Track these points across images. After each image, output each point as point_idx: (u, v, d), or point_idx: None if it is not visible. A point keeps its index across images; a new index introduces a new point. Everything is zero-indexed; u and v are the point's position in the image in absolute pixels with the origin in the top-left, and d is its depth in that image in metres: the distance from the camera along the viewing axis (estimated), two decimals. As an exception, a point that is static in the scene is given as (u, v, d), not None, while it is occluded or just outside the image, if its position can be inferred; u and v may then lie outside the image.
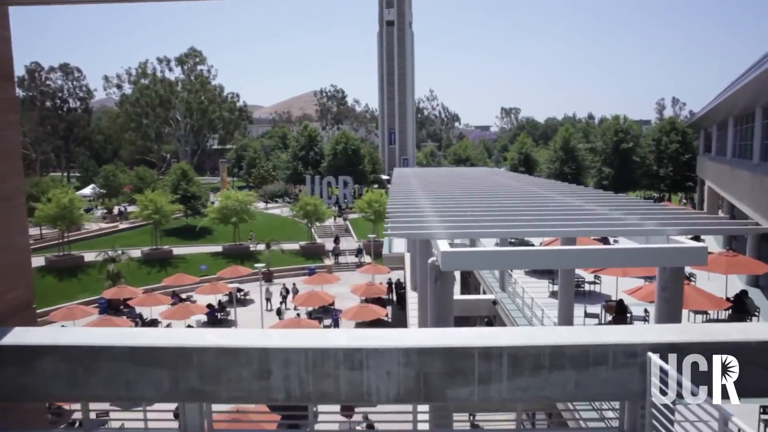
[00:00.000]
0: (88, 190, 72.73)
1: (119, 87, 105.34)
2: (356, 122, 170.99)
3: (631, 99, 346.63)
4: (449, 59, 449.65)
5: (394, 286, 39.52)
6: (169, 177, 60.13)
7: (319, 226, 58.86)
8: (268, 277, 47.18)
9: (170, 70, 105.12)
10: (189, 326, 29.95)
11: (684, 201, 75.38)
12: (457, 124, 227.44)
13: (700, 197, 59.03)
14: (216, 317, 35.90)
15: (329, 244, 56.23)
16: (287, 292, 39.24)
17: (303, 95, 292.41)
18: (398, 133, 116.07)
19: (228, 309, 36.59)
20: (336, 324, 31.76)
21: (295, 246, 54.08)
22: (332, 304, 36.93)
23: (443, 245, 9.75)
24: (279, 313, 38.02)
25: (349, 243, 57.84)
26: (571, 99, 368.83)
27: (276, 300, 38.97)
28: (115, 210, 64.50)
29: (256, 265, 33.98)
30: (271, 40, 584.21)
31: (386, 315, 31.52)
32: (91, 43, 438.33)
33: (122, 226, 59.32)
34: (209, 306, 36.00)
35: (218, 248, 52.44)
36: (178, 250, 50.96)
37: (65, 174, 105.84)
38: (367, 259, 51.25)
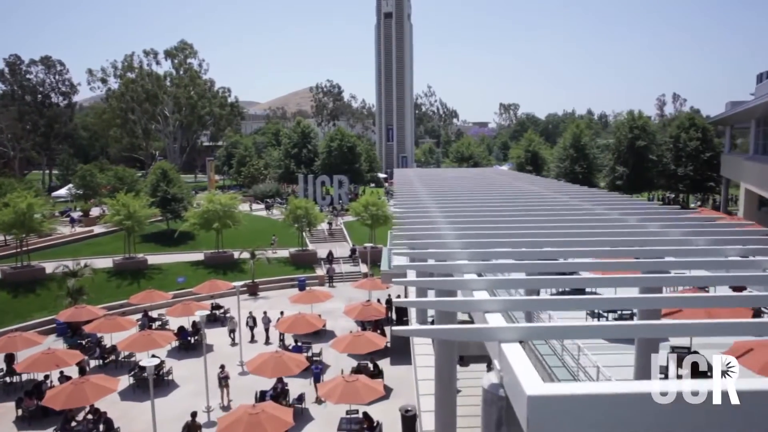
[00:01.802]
0: (63, 191, 67.82)
1: (104, 81, 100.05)
2: (353, 118, 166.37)
3: (631, 95, 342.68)
4: (446, 54, 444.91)
5: (394, 304, 34.72)
6: (149, 177, 55.20)
7: (311, 230, 54.17)
8: (253, 291, 42.58)
9: (157, 63, 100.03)
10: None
11: (699, 203, 70.91)
12: (455, 120, 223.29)
13: (725, 199, 54.53)
14: (189, 342, 31.19)
15: (321, 251, 51.49)
16: (254, 322, 32.75)
17: (300, 91, 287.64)
18: (396, 129, 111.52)
19: (203, 331, 31.78)
20: (317, 380, 25.19)
21: (285, 253, 49.38)
22: (324, 326, 32.30)
23: (527, 379, 4.54)
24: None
25: (343, 248, 53.17)
26: (570, 95, 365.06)
27: (242, 334, 31.40)
28: (76, 214, 59.65)
29: (234, 284, 29.19)
30: (267, 36, 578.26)
31: (386, 343, 26.77)
32: (82, 39, 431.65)
33: (97, 230, 54.44)
34: (181, 329, 31.29)
35: (200, 256, 47.65)
36: (154, 259, 46.13)
37: (47, 172, 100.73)
38: (363, 268, 46.53)
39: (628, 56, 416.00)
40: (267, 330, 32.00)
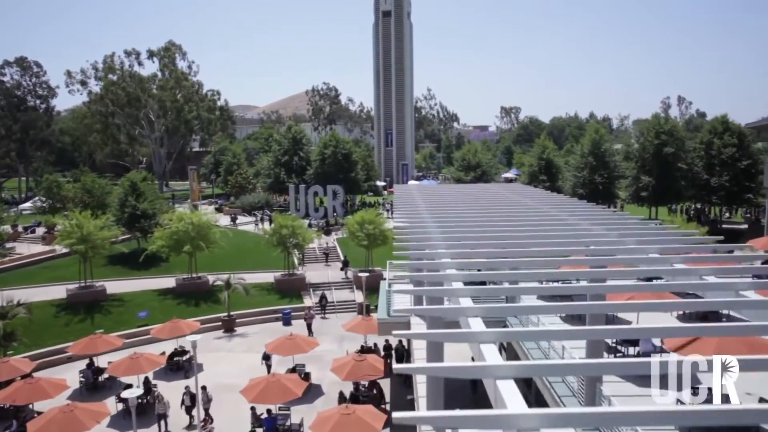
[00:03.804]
0: (29, 204, 61.46)
1: (83, 84, 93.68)
2: (350, 122, 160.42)
3: (634, 97, 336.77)
4: (444, 56, 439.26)
5: (394, 351, 28.45)
6: (116, 191, 48.81)
7: (303, 254, 47.96)
8: (229, 326, 36.29)
9: (140, 64, 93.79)
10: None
11: (727, 214, 64.78)
12: (455, 124, 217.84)
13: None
14: (141, 404, 24.65)
15: (311, 273, 45.32)
16: (191, 401, 23.78)
17: (298, 95, 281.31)
18: (396, 134, 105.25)
19: (157, 391, 25.43)
20: None
21: (269, 277, 43.07)
22: (309, 386, 25.94)
23: None
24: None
25: (334, 266, 47.12)
26: (572, 98, 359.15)
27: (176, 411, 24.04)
28: (40, 230, 53.16)
29: (188, 337, 22.71)
30: (266, 38, 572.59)
31: (386, 420, 20.29)
32: (69, 43, 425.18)
33: (61, 250, 48.05)
34: (127, 389, 24.86)
35: (171, 282, 41.34)
36: (116, 287, 39.80)
37: (25, 179, 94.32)
38: (358, 296, 40.20)
39: (629, 59, 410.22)
40: (207, 411, 23.87)
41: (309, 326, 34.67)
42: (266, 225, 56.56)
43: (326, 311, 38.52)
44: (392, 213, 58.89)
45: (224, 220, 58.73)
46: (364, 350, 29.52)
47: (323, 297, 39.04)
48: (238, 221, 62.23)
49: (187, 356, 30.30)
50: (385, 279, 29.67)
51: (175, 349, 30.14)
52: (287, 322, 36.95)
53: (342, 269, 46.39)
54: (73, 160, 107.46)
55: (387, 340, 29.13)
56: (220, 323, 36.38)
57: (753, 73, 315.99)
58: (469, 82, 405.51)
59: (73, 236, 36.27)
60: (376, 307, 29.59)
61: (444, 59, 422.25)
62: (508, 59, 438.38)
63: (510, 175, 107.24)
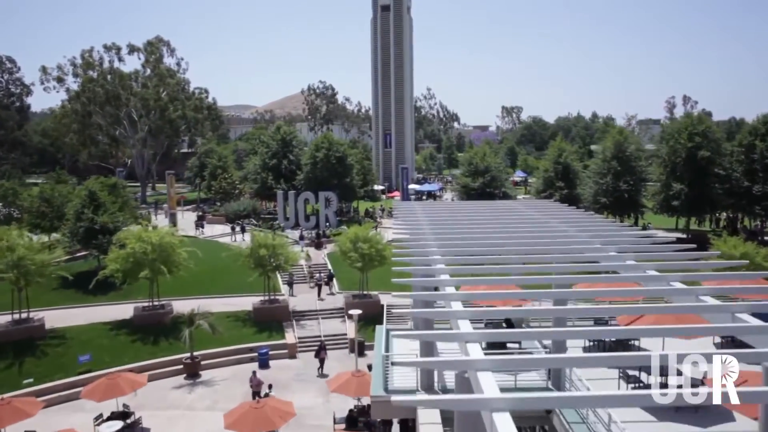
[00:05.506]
0: (-17, 214, 54.87)
1: (60, 81, 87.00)
2: (347, 122, 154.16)
3: (635, 97, 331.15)
4: (444, 55, 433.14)
5: (398, 422, 22.00)
6: (72, 202, 42.18)
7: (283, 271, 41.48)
8: (192, 370, 29.88)
9: (120, 60, 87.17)
10: None
11: (758, 224, 58.36)
12: (455, 124, 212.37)
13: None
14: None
15: (296, 298, 39.02)
16: None
17: (296, 95, 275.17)
18: (395, 134, 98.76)
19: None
20: None
21: (247, 303, 36.58)
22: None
23: None
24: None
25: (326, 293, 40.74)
26: (573, 97, 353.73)
27: None
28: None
29: (104, 426, 16.17)
30: (265, 37, 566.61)
31: None
32: (64, 45, 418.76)
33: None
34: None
35: (128, 311, 34.90)
36: (59, 319, 33.29)
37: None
38: (350, 330, 33.65)
39: (630, 58, 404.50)
40: None
41: (256, 394, 26.08)
42: (239, 237, 50.98)
43: (324, 366, 30.89)
44: (380, 226, 53.62)
45: (191, 229, 53.59)
46: (357, 413, 23.16)
47: (322, 348, 31.08)
48: (217, 232, 55.91)
49: (132, 418, 23.86)
50: (381, 324, 23.23)
51: (113, 412, 23.56)
52: (264, 364, 30.65)
53: (326, 283, 40.72)
54: (55, 162, 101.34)
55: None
56: (181, 366, 29.95)
57: (755, 73, 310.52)
58: (469, 81, 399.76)
59: (2, 261, 29.73)
60: (372, 366, 23.01)
61: (444, 58, 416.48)
62: (509, 59, 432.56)
63: (516, 178, 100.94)
